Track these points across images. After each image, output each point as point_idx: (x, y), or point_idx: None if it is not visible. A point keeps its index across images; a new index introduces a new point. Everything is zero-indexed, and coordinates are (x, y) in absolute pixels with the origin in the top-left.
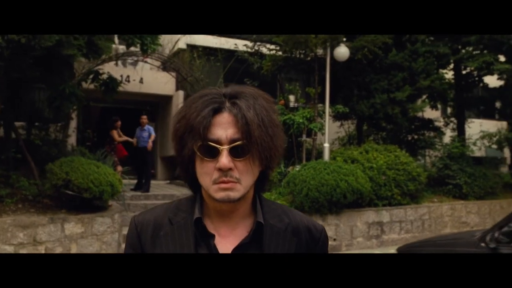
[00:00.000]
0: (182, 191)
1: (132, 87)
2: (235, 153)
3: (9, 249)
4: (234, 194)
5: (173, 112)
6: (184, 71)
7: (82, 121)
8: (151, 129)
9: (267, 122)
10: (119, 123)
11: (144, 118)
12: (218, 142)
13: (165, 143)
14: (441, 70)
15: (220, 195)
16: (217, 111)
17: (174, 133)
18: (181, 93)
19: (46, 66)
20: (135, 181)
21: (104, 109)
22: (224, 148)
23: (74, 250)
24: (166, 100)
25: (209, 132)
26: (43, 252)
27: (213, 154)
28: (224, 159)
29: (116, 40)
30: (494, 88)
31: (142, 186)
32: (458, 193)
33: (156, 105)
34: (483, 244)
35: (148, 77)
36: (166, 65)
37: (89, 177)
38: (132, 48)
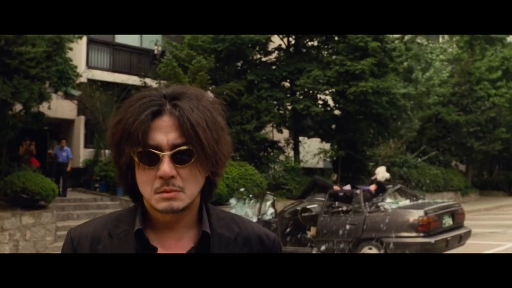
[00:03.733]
0: (87, 196)
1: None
2: (177, 159)
3: None
4: (178, 204)
5: (75, 133)
6: (87, 102)
7: None
8: (69, 151)
9: (211, 125)
10: (27, 142)
11: (63, 142)
12: (158, 148)
13: None
14: (286, 104)
15: (162, 205)
16: (156, 114)
17: (110, 138)
18: (82, 117)
19: None
20: None
21: None
22: (165, 155)
23: (28, 235)
24: (69, 122)
25: (149, 138)
26: (7, 236)
27: (154, 161)
28: (165, 167)
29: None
30: (316, 119)
31: (61, 192)
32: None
33: (58, 126)
34: (278, 217)
35: (53, 104)
36: (69, 95)
37: (39, 185)
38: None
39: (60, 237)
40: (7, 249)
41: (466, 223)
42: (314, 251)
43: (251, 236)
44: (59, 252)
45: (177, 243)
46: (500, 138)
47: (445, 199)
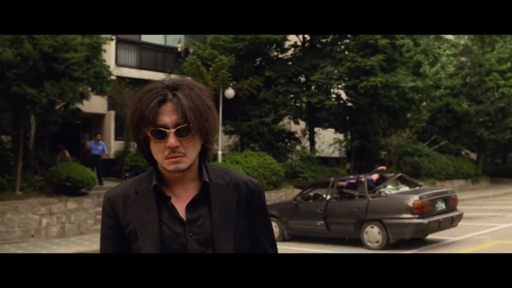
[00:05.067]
0: (116, 183)
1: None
2: (179, 133)
3: (35, 217)
4: (182, 165)
5: (106, 126)
6: (117, 98)
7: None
8: (104, 145)
9: (201, 107)
10: (63, 151)
11: (99, 136)
12: (165, 126)
13: None
14: (302, 97)
15: (171, 167)
16: (162, 102)
17: (129, 122)
18: (112, 112)
19: None
20: None
21: None
22: (171, 131)
23: (72, 218)
24: (100, 117)
25: (158, 119)
26: (55, 219)
27: (163, 136)
28: (172, 140)
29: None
30: (330, 112)
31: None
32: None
33: (90, 120)
34: (293, 202)
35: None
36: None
37: (81, 175)
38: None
39: (100, 220)
40: (55, 231)
41: (471, 208)
42: (324, 227)
43: (239, 182)
44: (99, 232)
45: (185, 192)
46: (510, 128)
47: (455, 186)
